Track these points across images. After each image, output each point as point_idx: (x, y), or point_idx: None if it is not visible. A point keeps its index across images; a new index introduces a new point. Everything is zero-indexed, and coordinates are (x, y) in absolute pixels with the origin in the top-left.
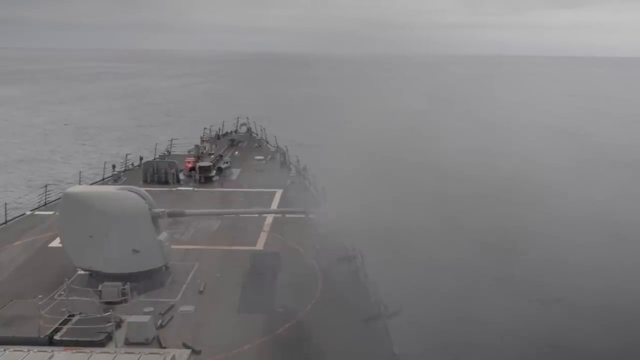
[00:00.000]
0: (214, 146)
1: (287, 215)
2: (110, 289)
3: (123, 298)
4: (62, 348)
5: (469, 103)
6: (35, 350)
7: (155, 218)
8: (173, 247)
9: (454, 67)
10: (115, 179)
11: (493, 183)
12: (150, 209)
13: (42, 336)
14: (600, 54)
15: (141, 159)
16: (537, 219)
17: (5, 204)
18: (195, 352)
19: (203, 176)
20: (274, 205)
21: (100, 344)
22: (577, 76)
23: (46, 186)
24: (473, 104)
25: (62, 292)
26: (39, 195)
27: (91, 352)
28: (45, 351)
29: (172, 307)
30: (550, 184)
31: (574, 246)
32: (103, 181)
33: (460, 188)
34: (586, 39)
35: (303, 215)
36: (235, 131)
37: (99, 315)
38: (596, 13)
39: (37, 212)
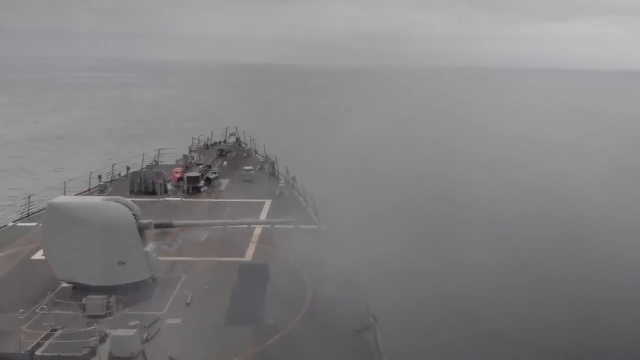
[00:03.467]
0: (202, 156)
1: (277, 226)
2: (95, 302)
3: (108, 311)
4: None
5: (457, 114)
6: None
7: (141, 229)
8: (160, 258)
9: (443, 79)
10: (102, 190)
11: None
12: (136, 220)
13: (23, 351)
14: (584, 67)
15: (128, 169)
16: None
17: None
18: None
19: (191, 186)
20: (263, 216)
21: (84, 359)
22: (562, 88)
23: (29, 197)
24: (461, 115)
25: (45, 306)
26: (22, 206)
27: None
28: None
29: (158, 320)
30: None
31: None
32: (89, 192)
33: (444, 190)
34: (570, 51)
35: (292, 226)
36: (224, 141)
37: (82, 330)
38: (579, 27)
39: (19, 224)
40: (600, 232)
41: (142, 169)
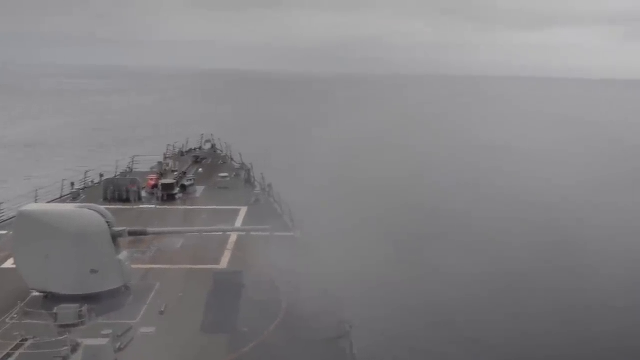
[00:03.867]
0: (177, 163)
1: (252, 234)
2: (67, 311)
3: (80, 320)
4: None
5: (434, 123)
6: None
7: (115, 237)
8: (134, 266)
9: (422, 87)
10: (74, 197)
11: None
12: (110, 228)
13: None
14: (562, 75)
15: (101, 176)
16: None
17: None
18: None
19: (166, 194)
20: (239, 223)
21: None
22: (539, 96)
23: None
24: (438, 123)
25: (15, 315)
26: None
27: None
28: None
29: (131, 329)
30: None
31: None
32: (61, 199)
33: (421, 198)
34: (548, 59)
35: (268, 234)
36: (200, 148)
37: (54, 339)
38: (554, 36)
39: None
40: (581, 238)
41: (115, 176)
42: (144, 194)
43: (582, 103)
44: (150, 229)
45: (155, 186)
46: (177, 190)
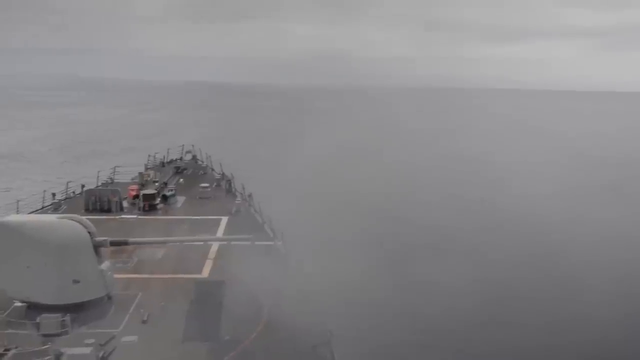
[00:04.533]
0: (158, 174)
1: (233, 243)
2: (50, 320)
3: (63, 330)
4: None
5: (407, 134)
6: None
7: (97, 247)
8: (116, 276)
9: (395, 99)
10: (56, 208)
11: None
12: (92, 238)
13: None
14: (532, 87)
15: (83, 186)
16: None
17: None
18: None
19: (147, 204)
20: (220, 233)
21: None
22: (509, 107)
23: None
24: (410, 134)
25: None
26: None
27: None
28: None
29: (114, 338)
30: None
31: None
32: (42, 210)
33: (397, 209)
34: (518, 72)
35: (249, 243)
36: (181, 158)
37: (37, 349)
38: (526, 49)
39: None
40: (557, 245)
41: (97, 186)
42: (125, 204)
43: (548, 114)
44: (131, 239)
45: (136, 196)
46: (158, 200)
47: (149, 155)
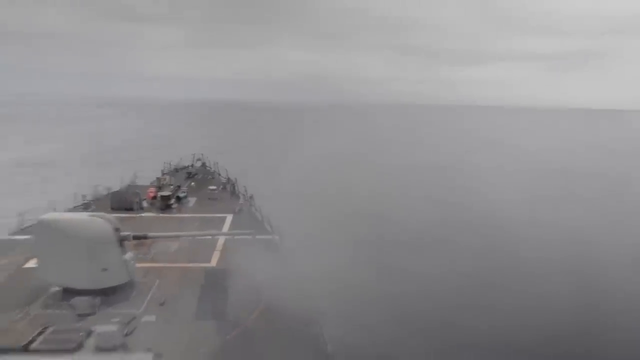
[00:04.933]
0: (172, 178)
1: (237, 237)
2: (82, 302)
3: (93, 311)
4: (38, 356)
5: (389, 144)
6: (13, 358)
7: (121, 240)
8: (137, 265)
9: (375, 115)
10: (86, 207)
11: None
12: (116, 233)
13: (19, 346)
14: (494, 104)
15: (109, 189)
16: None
17: None
18: (157, 356)
19: (164, 204)
20: (225, 228)
21: (72, 351)
22: (472, 122)
23: (22, 213)
24: (390, 145)
25: (38, 307)
26: (17, 221)
27: (64, 358)
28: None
29: (136, 317)
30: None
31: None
32: (74, 209)
33: (378, 209)
34: (483, 91)
35: (251, 237)
36: (192, 165)
37: (71, 326)
38: (492, 70)
39: (14, 237)
40: (515, 242)
41: (120, 189)
42: (145, 204)
43: (506, 127)
44: (150, 234)
45: (154, 197)
46: (173, 201)
47: (165, 162)
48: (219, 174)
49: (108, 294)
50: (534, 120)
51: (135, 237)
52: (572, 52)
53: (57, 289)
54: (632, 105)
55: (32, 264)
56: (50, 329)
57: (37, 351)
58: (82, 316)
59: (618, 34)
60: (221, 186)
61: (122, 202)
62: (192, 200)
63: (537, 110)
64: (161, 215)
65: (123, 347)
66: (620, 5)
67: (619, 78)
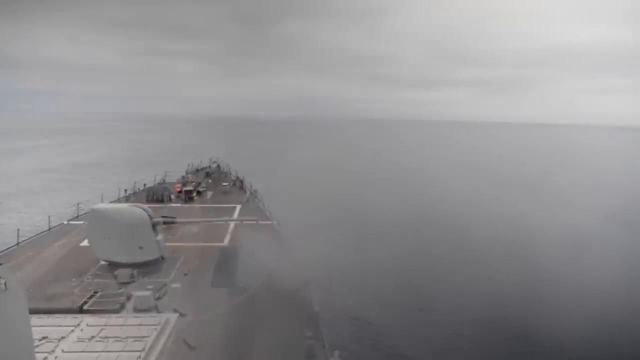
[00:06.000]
0: (194, 176)
1: (245, 222)
2: (124, 273)
3: (132, 280)
4: (89, 315)
5: (367, 152)
6: (71, 317)
7: (154, 225)
8: (167, 244)
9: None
10: (127, 199)
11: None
12: (150, 219)
13: (75, 307)
14: (440, 119)
15: (144, 185)
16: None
17: (49, 216)
18: (182, 315)
19: (187, 197)
20: (235, 215)
21: (116, 311)
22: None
23: (78, 204)
24: (364, 152)
25: (89, 276)
26: (73, 210)
27: (110, 317)
28: (77, 317)
29: (166, 285)
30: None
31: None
32: (118, 200)
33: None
34: (432, 109)
35: (255, 222)
36: (209, 166)
37: (115, 292)
38: (440, 93)
39: (72, 222)
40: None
41: (153, 184)
42: (173, 196)
43: (451, 138)
44: (177, 220)
45: (180, 191)
46: (194, 194)
47: (188, 164)
48: (230, 173)
49: (144, 267)
50: (471, 131)
51: (165, 222)
52: (500, 78)
53: (104, 262)
54: (545, 120)
55: (85, 243)
56: (99, 294)
57: (88, 311)
58: (123, 284)
59: (534, 65)
60: (232, 183)
61: (155, 195)
62: (209, 194)
63: (473, 123)
64: (185, 205)
65: (155, 308)
66: (536, 42)
67: (534, 99)
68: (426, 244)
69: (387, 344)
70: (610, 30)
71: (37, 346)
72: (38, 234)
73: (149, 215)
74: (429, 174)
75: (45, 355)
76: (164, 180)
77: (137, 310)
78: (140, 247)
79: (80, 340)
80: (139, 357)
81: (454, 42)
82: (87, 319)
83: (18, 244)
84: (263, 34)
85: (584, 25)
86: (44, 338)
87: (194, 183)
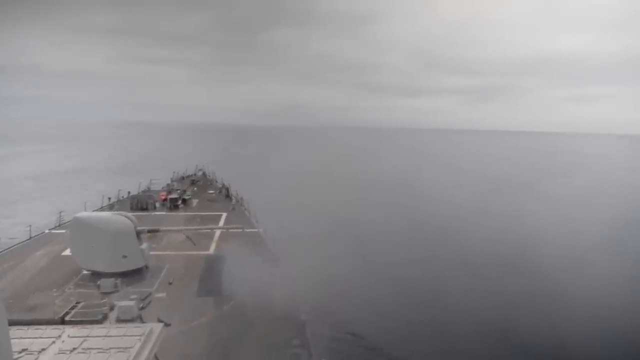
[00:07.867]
0: (179, 184)
1: (230, 230)
2: (107, 282)
3: (115, 289)
4: (71, 326)
5: (351, 158)
6: (51, 328)
7: (138, 233)
8: (151, 253)
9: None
10: (110, 207)
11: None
12: (135, 227)
13: (56, 318)
14: (426, 127)
15: (129, 193)
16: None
17: (30, 225)
18: (167, 325)
19: (172, 204)
20: (221, 223)
21: (99, 322)
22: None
23: (60, 212)
24: (351, 157)
25: (72, 286)
26: (55, 218)
27: (92, 327)
28: (59, 328)
29: (150, 294)
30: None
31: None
32: (101, 208)
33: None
34: (417, 117)
35: (241, 230)
36: (194, 174)
37: (98, 302)
38: (425, 101)
39: (54, 231)
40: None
41: (138, 192)
42: (157, 204)
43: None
44: (162, 228)
45: (165, 199)
46: (180, 202)
47: (173, 172)
48: (216, 181)
49: (127, 276)
50: (455, 138)
51: (150, 231)
52: (484, 87)
53: (86, 272)
54: (531, 127)
55: (67, 252)
56: (81, 304)
57: (70, 322)
58: (106, 294)
59: (516, 74)
60: (218, 190)
61: (139, 203)
62: (194, 202)
63: (458, 131)
64: (170, 213)
65: (139, 318)
66: (522, 51)
67: (520, 107)
68: (411, 251)
69: (376, 353)
70: (595, 39)
71: (17, 359)
72: (19, 243)
73: (133, 224)
74: (414, 180)
75: None
76: (148, 188)
77: (120, 320)
78: (124, 256)
79: (61, 352)
80: None
81: (440, 50)
82: (69, 330)
83: None
84: (250, 41)
85: (570, 35)
86: (23, 350)
87: (179, 191)
